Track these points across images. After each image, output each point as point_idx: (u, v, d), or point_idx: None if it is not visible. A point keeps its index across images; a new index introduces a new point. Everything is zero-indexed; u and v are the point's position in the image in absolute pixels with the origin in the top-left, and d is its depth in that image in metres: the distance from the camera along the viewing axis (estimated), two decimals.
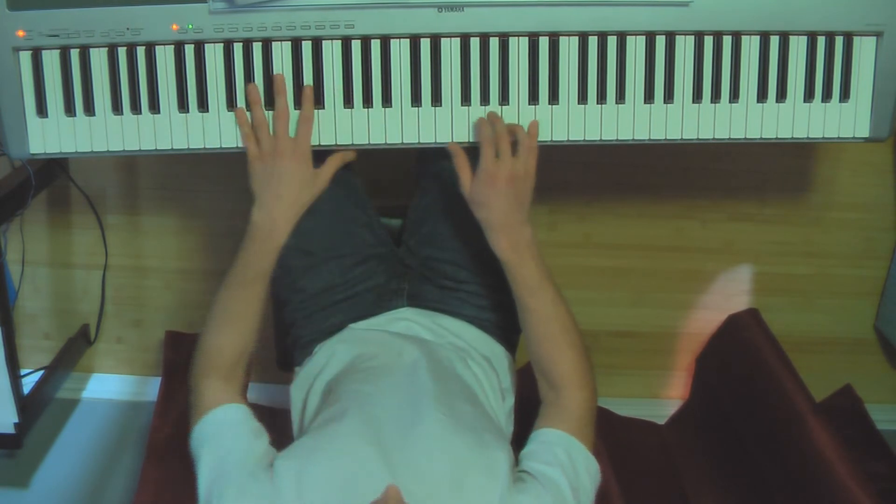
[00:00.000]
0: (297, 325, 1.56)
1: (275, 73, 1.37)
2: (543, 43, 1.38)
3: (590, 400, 1.31)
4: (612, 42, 1.39)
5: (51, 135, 1.39)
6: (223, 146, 1.40)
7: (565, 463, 1.20)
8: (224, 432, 1.26)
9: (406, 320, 1.51)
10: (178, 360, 2.16)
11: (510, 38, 1.38)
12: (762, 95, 1.42)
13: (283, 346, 1.71)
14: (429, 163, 1.58)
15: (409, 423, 1.23)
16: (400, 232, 1.66)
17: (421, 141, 1.40)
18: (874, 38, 1.41)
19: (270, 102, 1.38)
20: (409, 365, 1.38)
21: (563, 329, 1.32)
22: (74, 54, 1.36)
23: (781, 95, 1.42)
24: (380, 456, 1.16)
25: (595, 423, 1.31)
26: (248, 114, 1.38)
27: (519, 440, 1.31)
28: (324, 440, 1.23)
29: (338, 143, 1.40)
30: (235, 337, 1.35)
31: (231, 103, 1.38)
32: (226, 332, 1.35)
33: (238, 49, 1.37)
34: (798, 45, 1.41)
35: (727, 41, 1.40)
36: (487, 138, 1.33)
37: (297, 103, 1.38)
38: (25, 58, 1.36)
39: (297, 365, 1.55)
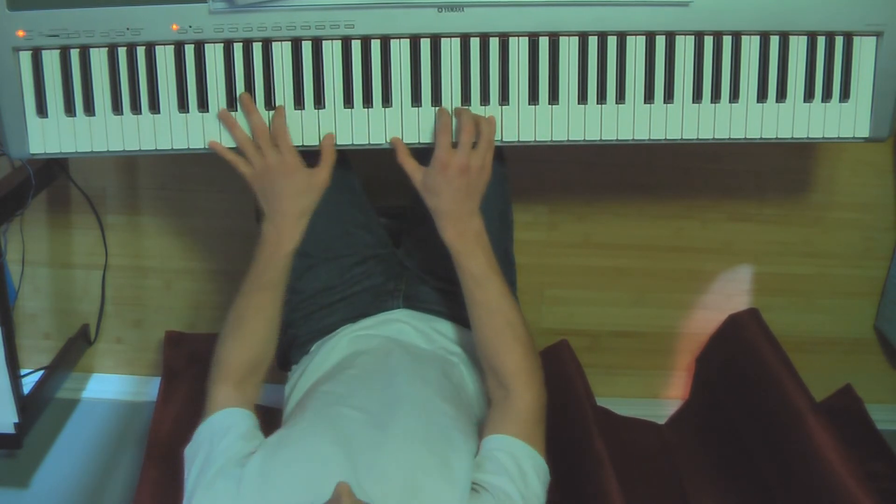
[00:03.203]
0: (294, 325, 1.56)
1: (238, 91, 1.37)
2: (543, 43, 1.38)
3: (537, 399, 1.29)
4: (612, 42, 1.39)
5: (51, 135, 1.39)
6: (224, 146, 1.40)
7: (512, 470, 1.20)
8: (218, 434, 1.27)
9: (400, 322, 1.51)
10: (177, 360, 2.16)
11: (510, 38, 1.38)
12: (762, 95, 1.42)
13: (282, 348, 1.71)
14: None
15: (379, 425, 1.23)
16: (398, 233, 1.66)
17: (421, 141, 1.40)
18: (874, 38, 1.41)
19: (270, 104, 1.39)
20: (391, 369, 1.38)
21: (509, 323, 1.32)
22: (74, 54, 1.36)
23: (781, 95, 1.42)
24: (344, 456, 1.17)
25: (544, 422, 1.29)
26: (222, 144, 1.38)
27: None
28: (290, 439, 1.23)
29: (338, 143, 1.40)
30: (246, 345, 1.35)
31: (231, 104, 1.38)
32: (237, 339, 1.35)
33: (238, 49, 1.37)
34: (798, 45, 1.41)
35: (727, 41, 1.40)
36: (444, 127, 1.33)
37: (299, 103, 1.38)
38: (25, 58, 1.36)
39: (295, 363, 1.56)
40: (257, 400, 1.38)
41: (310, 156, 1.38)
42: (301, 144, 1.40)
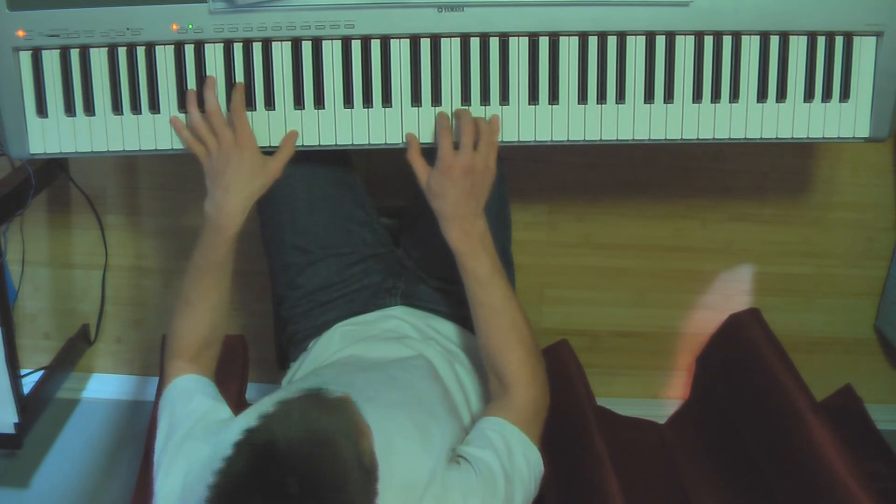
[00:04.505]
0: (293, 322, 1.56)
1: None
2: (543, 43, 1.38)
3: (538, 398, 1.29)
4: (612, 42, 1.39)
5: (51, 135, 1.39)
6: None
7: (499, 446, 1.19)
8: (182, 396, 1.27)
9: (396, 318, 1.52)
10: None
11: (510, 38, 1.38)
12: (762, 95, 1.42)
13: (281, 345, 1.71)
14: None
15: (364, 397, 1.22)
16: (398, 232, 1.67)
17: (421, 141, 1.40)
18: (874, 38, 1.41)
19: (270, 104, 1.39)
20: (384, 356, 1.39)
21: (512, 324, 1.31)
22: (74, 54, 1.36)
23: (781, 95, 1.42)
24: None
25: (542, 421, 1.29)
26: (182, 120, 1.38)
27: None
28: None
29: (338, 143, 1.40)
30: (195, 325, 1.35)
31: (231, 104, 1.38)
32: (186, 320, 1.35)
33: (238, 49, 1.37)
34: (798, 45, 1.41)
35: (727, 41, 1.40)
36: (446, 129, 1.33)
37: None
38: (25, 58, 1.36)
39: (293, 361, 1.56)
40: (213, 371, 1.38)
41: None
42: (301, 144, 1.40)
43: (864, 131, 1.44)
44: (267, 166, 1.35)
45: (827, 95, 1.42)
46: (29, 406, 1.89)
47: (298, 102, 1.39)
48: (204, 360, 1.36)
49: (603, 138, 1.42)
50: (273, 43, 1.37)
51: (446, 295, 1.54)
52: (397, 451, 1.14)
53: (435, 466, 1.15)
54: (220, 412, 1.25)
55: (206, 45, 1.37)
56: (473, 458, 1.18)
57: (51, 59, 1.37)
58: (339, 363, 1.42)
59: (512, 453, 1.20)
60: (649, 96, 1.40)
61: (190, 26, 1.35)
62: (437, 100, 1.39)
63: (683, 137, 1.42)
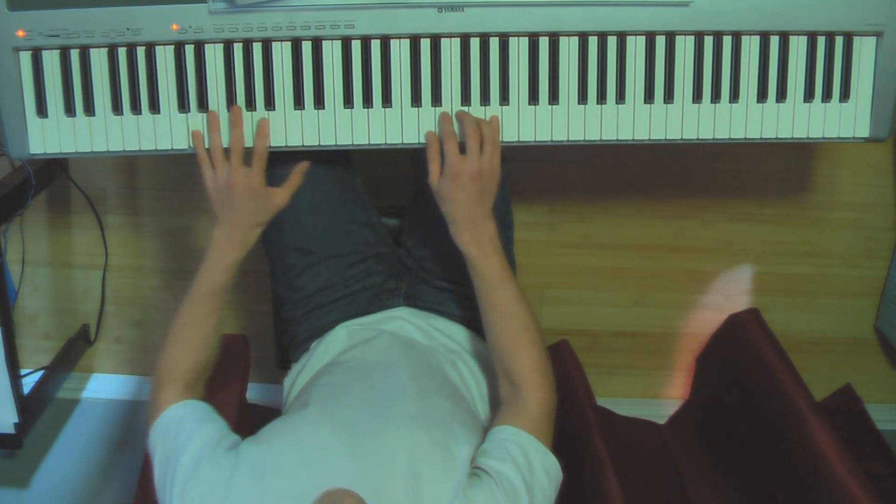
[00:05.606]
0: (294, 323, 1.56)
1: (233, 104, 1.37)
2: (543, 43, 1.38)
3: (548, 400, 1.29)
4: (612, 42, 1.39)
5: (51, 135, 1.39)
6: (224, 146, 1.40)
7: (519, 459, 1.19)
8: (173, 426, 1.26)
9: (400, 319, 1.52)
10: None
11: (510, 38, 1.38)
12: (762, 95, 1.42)
13: (282, 346, 1.71)
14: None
15: (379, 414, 1.24)
16: (399, 232, 1.67)
17: (421, 141, 1.40)
18: (874, 38, 1.41)
19: (270, 104, 1.39)
20: (390, 361, 1.39)
21: (523, 326, 1.32)
22: (74, 54, 1.36)
23: (781, 95, 1.42)
24: (345, 443, 1.17)
25: (554, 422, 1.29)
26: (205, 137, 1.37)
27: None
28: (287, 428, 1.23)
29: (338, 143, 1.40)
30: (194, 351, 1.34)
31: (231, 104, 1.38)
32: (185, 346, 1.34)
33: (238, 49, 1.37)
34: (798, 45, 1.41)
35: (727, 41, 1.40)
36: (450, 134, 1.33)
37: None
38: (25, 58, 1.36)
39: (294, 362, 1.56)
40: (202, 398, 1.36)
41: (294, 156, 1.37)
42: (301, 145, 1.40)
43: (864, 131, 1.44)
44: (273, 201, 1.35)
45: (827, 95, 1.42)
46: (29, 406, 1.89)
47: (298, 103, 1.39)
48: (198, 388, 1.35)
49: (603, 138, 1.42)
50: (273, 43, 1.37)
51: (449, 294, 1.54)
52: (421, 475, 1.15)
53: (458, 482, 1.15)
54: (207, 431, 1.23)
55: (206, 46, 1.37)
56: (494, 471, 1.17)
57: (51, 60, 1.37)
58: (342, 369, 1.41)
59: (531, 465, 1.20)
60: (649, 96, 1.40)
61: (190, 26, 1.35)
62: (437, 100, 1.39)
63: (683, 137, 1.42)
